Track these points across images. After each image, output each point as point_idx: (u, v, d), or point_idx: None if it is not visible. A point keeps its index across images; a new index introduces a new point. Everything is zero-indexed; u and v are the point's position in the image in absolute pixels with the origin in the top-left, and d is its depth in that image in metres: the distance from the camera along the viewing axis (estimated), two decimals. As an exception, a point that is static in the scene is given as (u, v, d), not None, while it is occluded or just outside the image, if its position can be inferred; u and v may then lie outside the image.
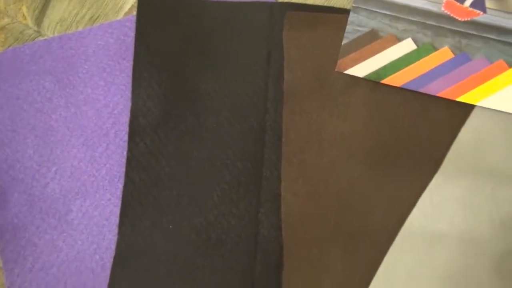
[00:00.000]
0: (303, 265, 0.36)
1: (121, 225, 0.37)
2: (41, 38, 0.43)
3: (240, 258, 0.36)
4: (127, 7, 0.44)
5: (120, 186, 0.38)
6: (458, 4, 0.40)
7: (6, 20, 0.44)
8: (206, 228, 0.36)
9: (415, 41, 0.40)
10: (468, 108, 0.38)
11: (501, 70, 0.39)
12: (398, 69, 0.39)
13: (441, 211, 0.36)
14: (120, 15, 0.43)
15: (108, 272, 0.36)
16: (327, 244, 0.36)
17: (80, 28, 0.43)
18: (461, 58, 0.39)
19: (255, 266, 0.35)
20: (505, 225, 0.36)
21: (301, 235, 0.36)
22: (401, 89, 0.39)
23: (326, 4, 0.42)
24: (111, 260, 0.37)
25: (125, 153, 0.39)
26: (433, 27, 0.40)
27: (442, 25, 0.40)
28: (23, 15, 0.44)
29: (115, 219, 0.38)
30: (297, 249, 0.36)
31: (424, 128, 0.38)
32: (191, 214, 0.37)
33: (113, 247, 0.37)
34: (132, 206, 0.37)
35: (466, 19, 0.40)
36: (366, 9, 0.41)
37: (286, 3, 0.42)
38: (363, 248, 0.36)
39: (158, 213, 0.37)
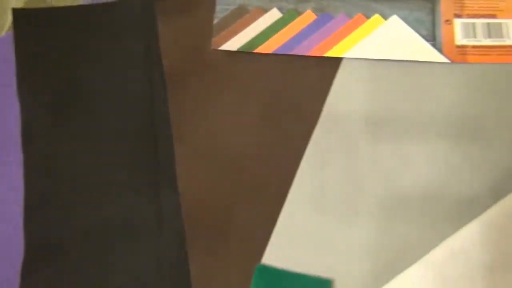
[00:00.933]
0: (205, 233, 0.37)
1: (26, 229, 0.37)
2: None
3: (146, 240, 0.37)
4: (7, 24, 0.45)
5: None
6: (314, -30, 0.44)
7: None
8: (111, 218, 0.38)
9: (280, 10, 0.42)
10: (337, 62, 0.41)
11: (361, 22, 0.42)
12: (268, 37, 0.41)
13: (325, 158, 0.39)
14: (2, 33, 0.45)
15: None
16: (227, 208, 0.38)
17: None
18: (323, 18, 0.42)
19: (161, 245, 0.37)
20: (383, 167, 0.39)
21: (201, 205, 0.38)
22: (273, 55, 0.41)
23: (197, -11, 0.45)
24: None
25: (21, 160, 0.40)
26: (295, -6, 0.43)
27: (302, -9, 0.43)
28: None
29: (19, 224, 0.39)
30: (198, 220, 0.38)
31: (300, 87, 0.41)
32: (94, 206, 0.38)
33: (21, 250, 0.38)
34: (34, 209, 0.38)
35: (323, -17, 0.44)
36: (231, -12, 0.44)
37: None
38: (261, 206, 0.38)
39: (62, 212, 0.38)
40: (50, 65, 0.41)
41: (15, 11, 0.43)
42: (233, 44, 0.41)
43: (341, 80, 0.41)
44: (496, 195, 0.37)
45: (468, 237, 0.36)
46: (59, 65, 0.41)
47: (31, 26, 0.42)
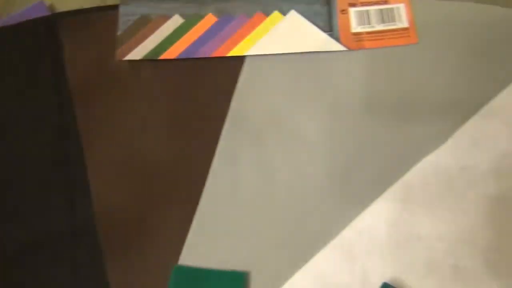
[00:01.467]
0: (122, 241, 0.37)
1: None
2: None
3: (62, 254, 0.37)
4: None
5: None
6: (212, -26, 0.45)
7: None
8: (26, 235, 0.38)
9: (182, 16, 0.43)
10: (240, 60, 0.42)
11: (260, 20, 0.43)
12: (172, 44, 0.42)
13: (236, 155, 0.40)
14: None
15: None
16: (141, 215, 0.38)
17: None
18: (224, 20, 0.43)
19: (77, 259, 0.37)
20: (292, 157, 0.39)
21: (116, 214, 0.38)
22: (178, 60, 0.42)
23: (102, 4, 0.46)
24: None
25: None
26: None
27: (202, -4, 0.44)
28: None
29: None
30: (114, 229, 0.38)
31: (206, 88, 0.41)
32: (9, 223, 0.38)
33: None
34: None
35: (222, -14, 0.45)
36: (133, 0, 0.44)
37: (60, 13, 0.44)
38: (176, 208, 0.38)
39: None
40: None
41: None
42: (138, 53, 0.42)
43: (245, 78, 0.42)
44: (398, 174, 0.38)
45: (374, 216, 0.37)
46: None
47: None
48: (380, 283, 0.34)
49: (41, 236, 0.38)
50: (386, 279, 0.35)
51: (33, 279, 0.36)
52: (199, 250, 0.37)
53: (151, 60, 0.42)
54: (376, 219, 0.36)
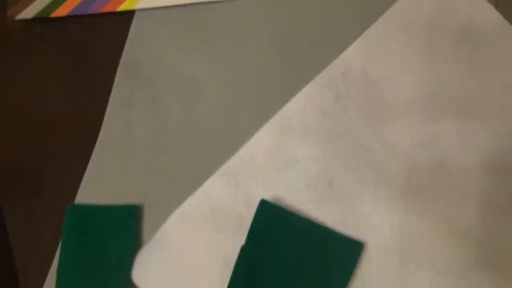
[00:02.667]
0: (19, 194, 0.39)
1: None
2: None
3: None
4: None
5: None
6: None
7: None
8: None
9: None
10: (130, 15, 0.43)
11: (148, -23, 0.45)
12: (63, 2, 0.43)
13: (130, 101, 0.41)
14: None
15: None
16: (36, 164, 0.39)
17: None
18: (113, -23, 0.45)
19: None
20: (181, 98, 0.41)
21: (13, 171, 0.39)
22: (70, 18, 0.43)
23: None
24: None
25: None
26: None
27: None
28: None
29: None
30: (12, 183, 0.39)
31: (97, 43, 0.42)
32: None
33: None
34: None
35: None
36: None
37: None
38: (72, 157, 0.40)
39: None
40: None
41: None
42: (29, 12, 0.43)
43: (135, 31, 0.43)
44: (278, 107, 0.41)
45: (256, 144, 0.39)
46: None
47: None
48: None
49: None
50: (268, 199, 0.37)
51: None
52: (94, 190, 0.38)
53: (42, 19, 0.43)
54: (258, 147, 0.39)
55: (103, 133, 0.40)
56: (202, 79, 0.41)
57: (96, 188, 0.38)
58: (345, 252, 0.35)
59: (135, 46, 0.42)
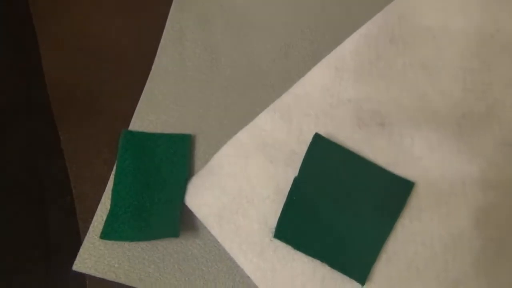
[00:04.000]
0: (76, 112, 0.39)
1: None
2: None
3: (18, 123, 0.38)
4: None
5: None
6: None
7: None
8: None
9: None
10: None
11: None
12: None
13: (183, 34, 0.40)
14: None
15: None
16: (92, 89, 0.39)
17: None
18: None
19: (32, 126, 0.38)
20: (235, 36, 0.41)
21: (70, 92, 0.39)
22: None
23: None
24: None
25: None
26: None
27: None
28: None
29: None
30: (69, 103, 0.39)
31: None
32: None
33: None
34: None
35: None
36: None
37: None
38: (127, 83, 0.39)
39: None
40: None
41: None
42: None
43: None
44: (332, 46, 0.40)
45: (310, 82, 0.39)
46: None
47: None
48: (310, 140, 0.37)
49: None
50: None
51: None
52: (147, 119, 0.38)
53: None
54: (312, 85, 0.38)
55: (157, 63, 0.40)
56: (255, 17, 0.41)
57: (149, 116, 0.38)
58: (395, 190, 0.35)
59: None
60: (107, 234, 0.34)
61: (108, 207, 0.35)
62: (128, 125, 0.38)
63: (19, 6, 0.40)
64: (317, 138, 0.35)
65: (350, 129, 0.37)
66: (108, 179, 0.36)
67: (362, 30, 0.39)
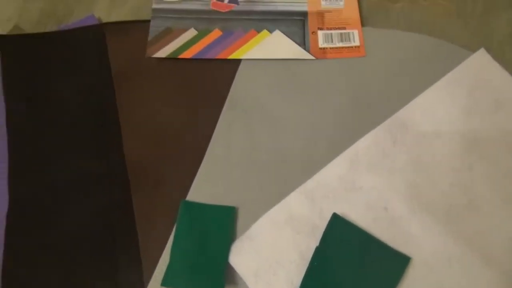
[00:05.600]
0: (145, 183, 0.48)
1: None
2: None
3: (99, 188, 0.47)
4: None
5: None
6: (220, 2, 0.58)
7: None
8: (71, 172, 0.48)
9: (196, 29, 0.56)
10: (237, 62, 0.54)
11: (253, 35, 0.55)
12: (188, 48, 0.54)
13: (231, 128, 0.51)
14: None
15: None
16: (159, 166, 0.49)
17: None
18: (227, 33, 0.55)
19: (111, 191, 0.47)
20: (272, 129, 0.51)
21: (141, 165, 0.49)
22: (192, 60, 0.54)
23: (137, 18, 0.58)
24: None
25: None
26: (206, 18, 0.56)
27: (212, 16, 0.56)
28: None
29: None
30: (140, 175, 0.48)
31: (211, 81, 0.53)
32: (58, 164, 0.49)
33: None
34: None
35: (227, 11, 0.58)
36: (161, 16, 0.56)
37: (106, 23, 0.57)
38: (186, 163, 0.49)
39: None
40: (28, 77, 0.53)
41: (1, 37, 0.55)
42: (163, 53, 0.54)
43: (240, 75, 0.53)
44: (348, 145, 0.50)
45: (329, 172, 0.48)
46: (35, 76, 0.53)
47: (13, 49, 0.54)
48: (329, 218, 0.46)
49: (85, 175, 0.48)
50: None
51: (76, 206, 0.47)
52: (201, 192, 0.47)
53: (172, 58, 0.54)
54: (330, 173, 0.48)
55: (210, 149, 0.50)
56: (286, 117, 0.51)
57: (203, 191, 0.47)
58: (394, 263, 0.43)
59: (239, 85, 0.53)
60: (166, 282, 0.42)
61: (168, 260, 0.43)
62: (186, 195, 0.47)
63: (109, 97, 0.52)
64: (335, 216, 0.44)
65: (360, 210, 0.46)
66: (168, 238, 0.45)
67: (372, 133, 0.49)
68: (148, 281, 0.43)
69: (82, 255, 0.45)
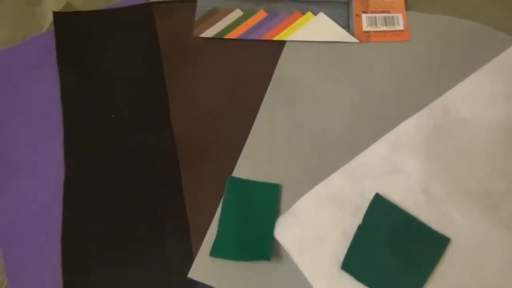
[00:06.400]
0: (193, 159, 0.50)
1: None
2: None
3: (150, 164, 0.49)
4: (47, 24, 0.59)
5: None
6: (265, -17, 0.59)
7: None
8: (127, 149, 0.50)
9: (242, 10, 0.57)
10: (282, 44, 0.55)
11: (298, 17, 0.56)
12: (233, 28, 0.55)
13: (274, 109, 0.52)
14: (43, 30, 0.58)
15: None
16: (207, 142, 0.50)
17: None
18: (272, 15, 0.56)
19: (160, 167, 0.49)
20: (317, 110, 0.52)
21: (189, 141, 0.51)
22: (237, 40, 0.55)
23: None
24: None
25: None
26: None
27: (257, -3, 0.58)
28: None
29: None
30: (188, 151, 0.50)
31: (256, 61, 0.54)
32: (112, 141, 0.51)
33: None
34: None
35: (272, -8, 0.58)
36: (207, -4, 0.58)
37: (156, 1, 0.58)
38: (231, 141, 0.50)
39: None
40: (81, 52, 0.55)
41: (55, 14, 0.57)
42: (209, 33, 0.55)
43: (285, 56, 0.54)
44: (391, 128, 0.51)
45: (372, 153, 0.49)
46: (87, 51, 0.55)
47: (66, 25, 0.56)
48: (371, 198, 0.47)
49: (136, 149, 0.50)
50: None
51: (128, 178, 0.49)
52: (246, 169, 0.49)
53: (217, 38, 0.55)
54: (373, 155, 0.49)
55: (255, 128, 0.51)
56: (330, 99, 0.52)
57: (247, 168, 0.49)
58: (434, 244, 0.44)
59: (284, 67, 0.54)
60: (214, 252, 0.44)
61: (215, 233, 0.45)
62: (231, 171, 0.49)
63: (157, 75, 0.53)
64: (377, 197, 0.46)
65: (401, 192, 0.47)
66: (215, 211, 0.47)
67: (414, 119, 0.50)
68: (196, 252, 0.45)
69: (133, 225, 0.47)
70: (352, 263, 0.43)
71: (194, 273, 0.44)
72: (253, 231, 0.45)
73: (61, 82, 0.53)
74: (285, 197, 0.48)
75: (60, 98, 0.53)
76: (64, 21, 0.57)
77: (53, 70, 0.54)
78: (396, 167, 0.48)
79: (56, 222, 0.47)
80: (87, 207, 0.48)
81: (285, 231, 0.46)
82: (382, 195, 0.46)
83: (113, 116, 0.51)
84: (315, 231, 0.46)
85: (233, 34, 0.55)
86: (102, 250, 0.46)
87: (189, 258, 0.45)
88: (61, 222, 0.47)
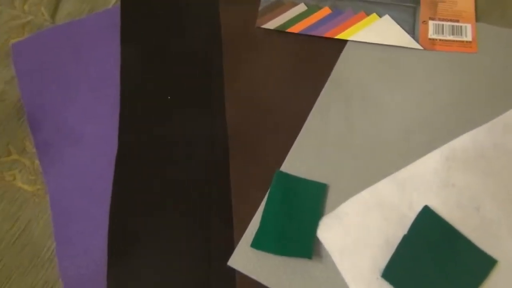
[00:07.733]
0: (244, 149, 0.50)
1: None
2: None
3: (201, 149, 0.50)
4: (113, 0, 0.60)
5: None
6: (332, -21, 0.58)
7: (30, 17, 0.60)
8: (182, 135, 0.51)
9: (306, 5, 0.56)
10: (343, 43, 0.54)
11: (362, 18, 0.55)
12: (296, 22, 0.55)
13: (329, 109, 0.51)
14: (109, 5, 0.59)
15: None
16: (259, 134, 0.50)
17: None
18: (336, 12, 0.55)
19: (211, 155, 0.50)
20: (369, 114, 0.51)
21: (242, 131, 0.51)
22: (299, 34, 0.55)
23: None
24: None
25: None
26: (317, -5, 0.57)
27: (323, -7, 0.57)
28: (42, 13, 0.60)
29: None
30: (240, 140, 0.50)
31: (316, 58, 0.53)
32: (168, 128, 0.51)
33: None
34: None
35: (338, -11, 0.57)
36: (273, -13, 0.58)
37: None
38: (283, 134, 0.50)
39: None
40: (144, 32, 0.56)
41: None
42: (271, 24, 0.55)
43: (345, 56, 0.54)
44: (446, 141, 0.49)
45: (425, 165, 0.48)
46: (150, 32, 0.56)
47: (132, 3, 0.57)
48: (419, 210, 0.46)
49: (188, 133, 0.51)
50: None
51: (178, 162, 0.50)
52: (294, 164, 0.49)
53: (279, 31, 0.55)
54: (424, 166, 0.48)
55: (307, 124, 0.50)
56: (387, 104, 0.51)
57: (296, 163, 0.49)
58: (480, 263, 0.43)
59: (343, 66, 0.53)
60: (256, 244, 0.44)
61: (258, 224, 0.46)
62: (280, 166, 0.49)
63: (217, 62, 0.54)
64: (426, 209, 0.45)
65: (450, 207, 0.46)
66: (260, 203, 0.47)
67: (472, 133, 0.48)
68: (238, 241, 0.46)
69: (178, 209, 0.48)
70: (393, 272, 0.43)
71: (234, 262, 0.45)
72: (295, 228, 0.45)
73: (122, 61, 0.54)
74: (330, 197, 0.47)
75: (120, 77, 0.54)
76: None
77: (116, 47, 0.56)
78: (448, 181, 0.47)
79: (107, 195, 0.48)
80: (136, 184, 0.49)
81: (328, 232, 0.45)
82: (431, 207, 0.45)
83: (168, 97, 0.52)
84: (358, 236, 0.45)
85: (295, 28, 0.54)
86: (147, 227, 0.47)
87: (230, 246, 0.45)
88: (110, 195, 0.49)
